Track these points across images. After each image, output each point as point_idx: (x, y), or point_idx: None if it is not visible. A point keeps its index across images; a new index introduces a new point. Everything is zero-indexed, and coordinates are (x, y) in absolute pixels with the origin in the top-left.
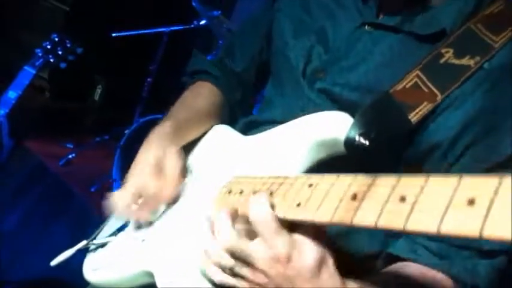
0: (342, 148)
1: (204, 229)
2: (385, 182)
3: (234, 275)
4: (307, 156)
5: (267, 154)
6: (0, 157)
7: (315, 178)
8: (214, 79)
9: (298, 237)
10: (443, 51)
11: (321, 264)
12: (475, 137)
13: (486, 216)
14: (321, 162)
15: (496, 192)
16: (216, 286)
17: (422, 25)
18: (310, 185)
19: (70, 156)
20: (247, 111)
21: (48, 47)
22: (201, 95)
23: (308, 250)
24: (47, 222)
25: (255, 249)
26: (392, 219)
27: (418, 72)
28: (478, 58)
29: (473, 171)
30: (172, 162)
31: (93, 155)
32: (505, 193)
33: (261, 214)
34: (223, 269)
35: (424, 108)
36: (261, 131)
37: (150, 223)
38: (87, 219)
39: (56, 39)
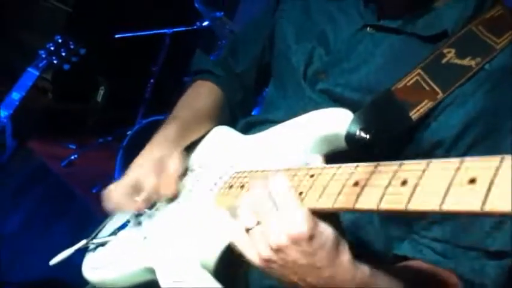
0: (343, 143)
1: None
2: (387, 168)
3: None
4: (309, 152)
5: (268, 152)
6: (3, 158)
7: (316, 169)
8: (216, 78)
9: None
10: (445, 51)
11: (338, 244)
12: (476, 138)
13: (488, 191)
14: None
15: (496, 170)
16: (217, 277)
17: (424, 27)
18: (312, 175)
19: (72, 157)
20: (247, 113)
21: (52, 48)
22: (201, 94)
23: (328, 227)
24: (48, 223)
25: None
26: (394, 201)
27: (419, 71)
28: (479, 59)
29: None
30: (175, 163)
31: (95, 156)
32: (506, 171)
33: (281, 185)
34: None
35: (425, 106)
36: (261, 131)
37: (152, 221)
38: (89, 220)
39: (60, 40)
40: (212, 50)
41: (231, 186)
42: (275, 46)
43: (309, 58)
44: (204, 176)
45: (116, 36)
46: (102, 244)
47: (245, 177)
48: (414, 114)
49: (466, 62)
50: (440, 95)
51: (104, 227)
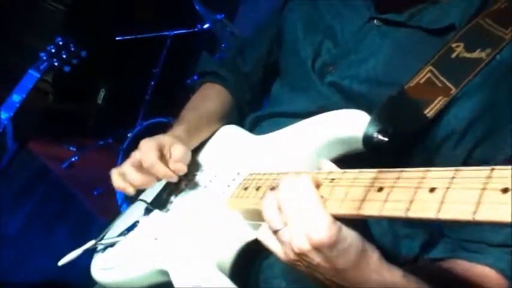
0: (359, 145)
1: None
2: (413, 174)
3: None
4: (324, 154)
5: (281, 152)
6: (4, 159)
7: (336, 173)
8: (223, 80)
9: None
10: (453, 45)
11: (363, 246)
12: (483, 132)
13: None
14: (335, 160)
15: None
16: (231, 277)
17: (430, 20)
18: (332, 180)
19: (73, 159)
20: (257, 111)
21: (53, 50)
22: (209, 97)
23: (351, 232)
24: (49, 225)
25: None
26: (423, 208)
27: (430, 67)
28: (489, 50)
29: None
30: (181, 150)
31: (96, 158)
32: None
33: (306, 188)
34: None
35: (439, 102)
36: (270, 124)
37: (162, 222)
38: (90, 222)
39: (60, 42)
40: (213, 52)
41: (246, 188)
42: (283, 42)
43: (317, 50)
44: (214, 177)
45: (117, 38)
46: (111, 245)
47: (260, 179)
48: (429, 112)
49: (475, 54)
50: (454, 90)
51: (112, 227)
